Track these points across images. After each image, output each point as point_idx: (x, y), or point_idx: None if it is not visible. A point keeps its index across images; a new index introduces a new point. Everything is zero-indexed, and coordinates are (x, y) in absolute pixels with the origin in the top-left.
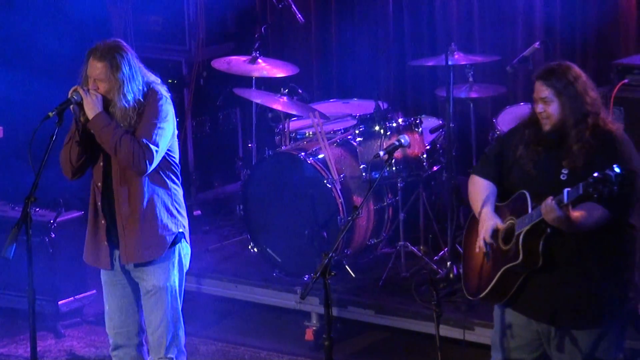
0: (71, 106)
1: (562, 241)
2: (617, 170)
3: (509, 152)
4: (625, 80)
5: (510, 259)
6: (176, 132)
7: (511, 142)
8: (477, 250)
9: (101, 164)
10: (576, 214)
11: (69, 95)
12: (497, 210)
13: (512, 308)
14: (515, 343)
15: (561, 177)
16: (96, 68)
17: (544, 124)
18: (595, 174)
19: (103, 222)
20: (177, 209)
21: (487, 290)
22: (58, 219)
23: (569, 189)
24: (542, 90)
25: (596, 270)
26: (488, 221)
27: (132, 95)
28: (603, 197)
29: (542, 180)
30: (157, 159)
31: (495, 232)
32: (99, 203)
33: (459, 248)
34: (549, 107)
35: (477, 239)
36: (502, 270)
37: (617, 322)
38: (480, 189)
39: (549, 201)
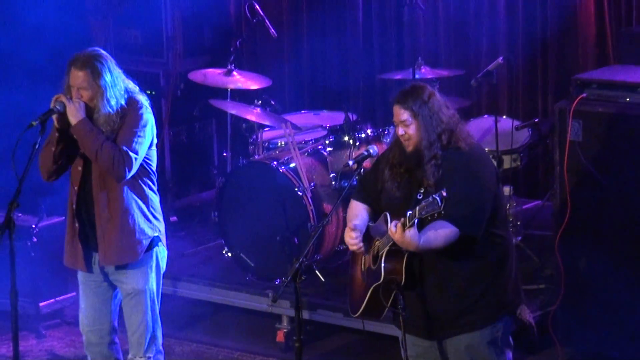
0: (54, 115)
1: (424, 258)
2: (443, 194)
3: (379, 176)
4: (584, 95)
5: (375, 278)
6: (155, 140)
7: (380, 166)
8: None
9: (79, 168)
10: (420, 237)
11: (52, 105)
12: (370, 231)
13: (395, 324)
14: (413, 352)
15: (418, 196)
16: (78, 77)
17: (406, 146)
18: (428, 198)
19: (77, 225)
20: (153, 214)
21: (361, 309)
22: (40, 224)
23: (410, 211)
24: (401, 114)
25: (460, 281)
26: (347, 232)
27: (115, 100)
28: (435, 218)
29: (404, 201)
30: (135, 166)
31: (370, 251)
32: (74, 206)
33: None
34: (409, 129)
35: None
36: (370, 289)
37: (495, 325)
38: (352, 210)
39: (392, 225)
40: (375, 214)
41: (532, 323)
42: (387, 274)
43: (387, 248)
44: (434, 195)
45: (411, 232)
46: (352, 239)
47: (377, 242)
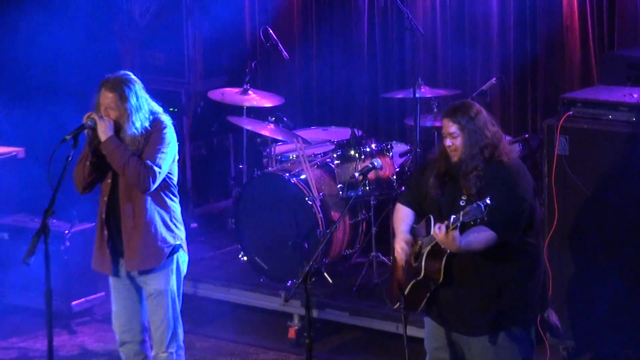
0: (85, 130)
1: (462, 260)
2: (487, 202)
3: (425, 182)
4: (570, 112)
5: (416, 274)
6: (177, 157)
7: (425, 174)
8: (395, 262)
9: (109, 181)
10: (462, 239)
11: (84, 121)
12: (413, 232)
13: (429, 316)
14: (436, 344)
15: (460, 202)
16: (107, 97)
17: (452, 156)
18: (473, 205)
19: (106, 232)
20: (175, 224)
21: (400, 302)
22: (72, 230)
23: (454, 215)
24: (449, 127)
25: (494, 283)
26: (398, 242)
27: (140, 122)
28: (478, 223)
29: (446, 206)
30: (159, 179)
31: (412, 250)
32: (104, 216)
33: None
34: (455, 140)
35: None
36: (410, 284)
37: (521, 327)
38: (398, 213)
39: (436, 227)
40: (417, 217)
41: (558, 325)
42: (427, 272)
43: (429, 248)
44: (478, 202)
45: (455, 234)
46: (402, 251)
47: (420, 241)
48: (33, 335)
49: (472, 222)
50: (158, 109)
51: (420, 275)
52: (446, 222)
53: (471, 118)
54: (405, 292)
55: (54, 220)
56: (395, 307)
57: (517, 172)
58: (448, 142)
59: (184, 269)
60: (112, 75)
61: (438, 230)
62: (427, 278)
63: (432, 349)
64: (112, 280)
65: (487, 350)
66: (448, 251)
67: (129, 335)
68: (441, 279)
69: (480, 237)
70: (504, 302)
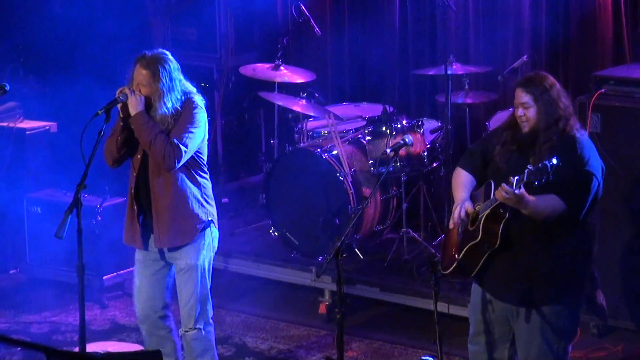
0: (118, 105)
1: (520, 226)
2: (554, 161)
3: (488, 150)
4: (602, 90)
5: (472, 238)
6: (207, 136)
7: (491, 142)
8: (451, 226)
9: (139, 156)
10: (531, 197)
11: (116, 95)
12: (472, 198)
13: (480, 286)
14: (484, 317)
15: (525, 171)
16: (140, 74)
17: (522, 127)
18: (538, 165)
19: (135, 207)
20: (206, 200)
21: (454, 265)
22: (104, 204)
23: (517, 176)
24: (522, 96)
25: (550, 255)
26: (460, 204)
27: (171, 103)
28: (543, 185)
29: (509, 174)
30: (184, 158)
31: (467, 215)
32: (133, 191)
33: None
34: (528, 111)
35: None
36: (466, 248)
37: (569, 304)
38: (459, 178)
39: (503, 185)
40: (477, 184)
41: (604, 306)
42: (485, 235)
43: (488, 211)
44: (544, 162)
45: (521, 191)
46: (461, 216)
47: (477, 206)
48: (65, 309)
49: (536, 184)
50: (192, 89)
51: (478, 238)
52: (511, 179)
53: (545, 89)
54: (460, 256)
55: (86, 195)
56: (448, 271)
57: (589, 149)
58: (520, 111)
59: (215, 244)
60: (149, 52)
61: (504, 190)
62: (484, 242)
63: (477, 320)
64: (139, 254)
65: (534, 324)
66: (507, 215)
67: (151, 311)
68: (498, 242)
69: (549, 202)
70: (557, 276)
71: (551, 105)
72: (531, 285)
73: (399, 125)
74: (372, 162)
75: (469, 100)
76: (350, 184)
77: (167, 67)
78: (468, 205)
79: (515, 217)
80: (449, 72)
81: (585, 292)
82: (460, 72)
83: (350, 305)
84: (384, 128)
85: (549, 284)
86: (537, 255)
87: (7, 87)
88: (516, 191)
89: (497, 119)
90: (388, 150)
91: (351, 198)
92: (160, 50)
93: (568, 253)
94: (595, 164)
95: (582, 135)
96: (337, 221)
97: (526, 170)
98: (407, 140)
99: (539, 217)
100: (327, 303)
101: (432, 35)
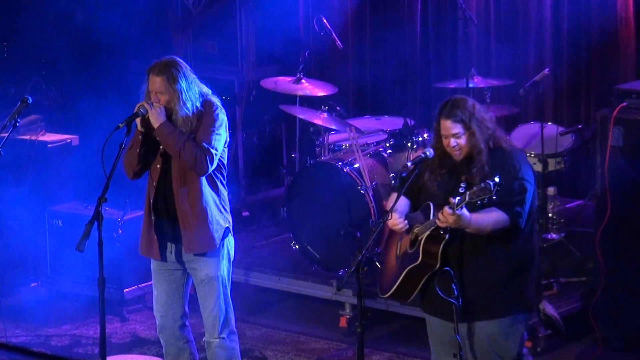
0: (137, 118)
1: (461, 244)
2: (496, 179)
3: (419, 177)
4: (624, 104)
5: (412, 260)
6: (228, 139)
7: (421, 170)
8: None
9: (158, 166)
10: (473, 215)
11: (136, 109)
12: (410, 220)
13: (426, 312)
14: (435, 340)
15: (459, 189)
16: (155, 82)
17: (456, 156)
18: (480, 184)
19: (153, 218)
20: (224, 207)
21: (392, 290)
22: (125, 217)
23: (459, 197)
24: (452, 128)
25: (493, 272)
26: (395, 221)
27: (191, 102)
28: (485, 203)
29: (444, 195)
30: (216, 160)
31: (408, 237)
32: (151, 200)
33: None
34: (460, 140)
35: (392, 242)
36: (406, 270)
37: (516, 317)
38: (392, 201)
39: (445, 208)
40: (412, 208)
41: (557, 316)
42: (425, 257)
43: (427, 233)
44: (486, 181)
45: (462, 211)
46: (396, 220)
47: (416, 228)
48: (85, 322)
49: (478, 203)
50: (207, 90)
51: (418, 261)
52: (452, 201)
53: (471, 113)
54: (400, 279)
55: (107, 208)
56: (387, 295)
57: (519, 157)
58: (453, 142)
59: (232, 253)
60: (158, 60)
61: (448, 211)
62: (424, 264)
63: (434, 346)
64: (155, 265)
65: (480, 342)
66: (447, 237)
67: (170, 321)
68: (438, 264)
69: (492, 216)
70: (500, 290)
71: (481, 126)
72: (474, 303)
73: (420, 139)
74: (393, 176)
75: (490, 114)
76: (371, 198)
77: (179, 68)
78: (403, 221)
79: (456, 236)
80: (470, 85)
81: (532, 305)
82: (481, 85)
83: (370, 318)
84: (405, 141)
85: (492, 299)
86: (479, 273)
87: (30, 100)
88: (457, 211)
89: (519, 132)
90: (409, 164)
91: (372, 211)
92: (168, 56)
93: (510, 263)
94: (528, 171)
95: (510, 146)
96: (358, 234)
97: (467, 192)
98: (428, 153)
99: (483, 233)
100: (347, 316)
101: (453, 48)
